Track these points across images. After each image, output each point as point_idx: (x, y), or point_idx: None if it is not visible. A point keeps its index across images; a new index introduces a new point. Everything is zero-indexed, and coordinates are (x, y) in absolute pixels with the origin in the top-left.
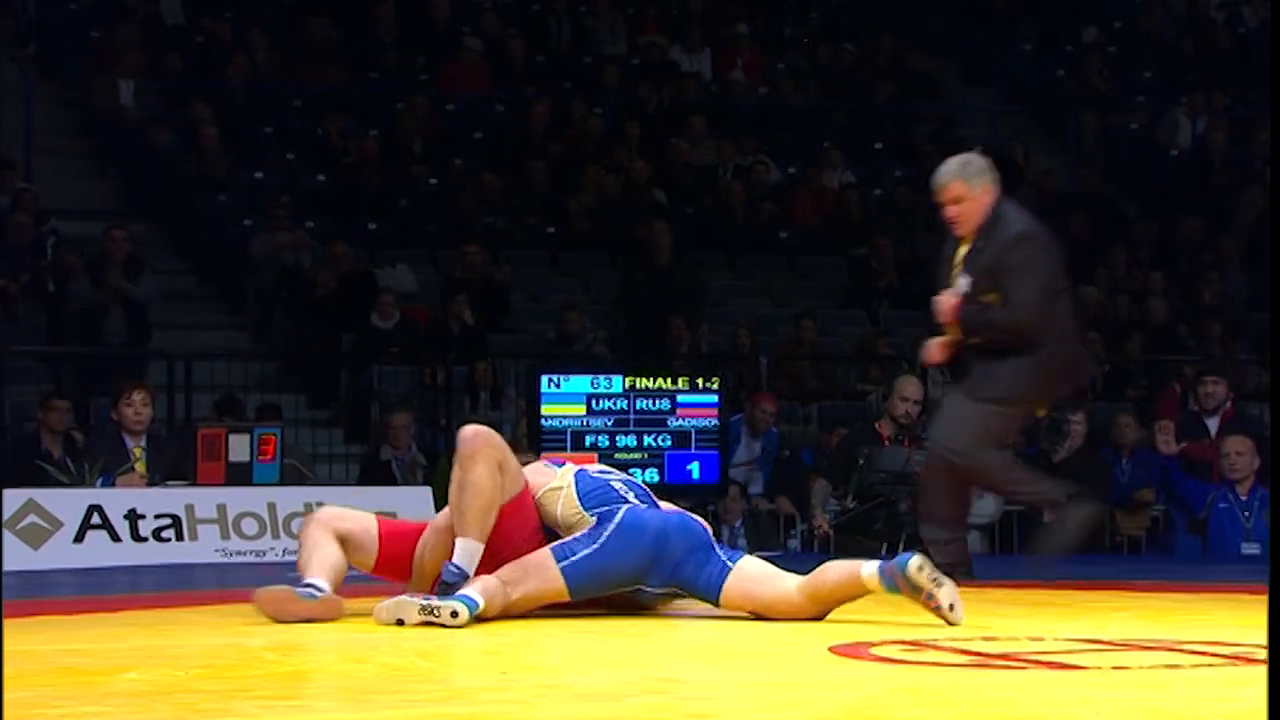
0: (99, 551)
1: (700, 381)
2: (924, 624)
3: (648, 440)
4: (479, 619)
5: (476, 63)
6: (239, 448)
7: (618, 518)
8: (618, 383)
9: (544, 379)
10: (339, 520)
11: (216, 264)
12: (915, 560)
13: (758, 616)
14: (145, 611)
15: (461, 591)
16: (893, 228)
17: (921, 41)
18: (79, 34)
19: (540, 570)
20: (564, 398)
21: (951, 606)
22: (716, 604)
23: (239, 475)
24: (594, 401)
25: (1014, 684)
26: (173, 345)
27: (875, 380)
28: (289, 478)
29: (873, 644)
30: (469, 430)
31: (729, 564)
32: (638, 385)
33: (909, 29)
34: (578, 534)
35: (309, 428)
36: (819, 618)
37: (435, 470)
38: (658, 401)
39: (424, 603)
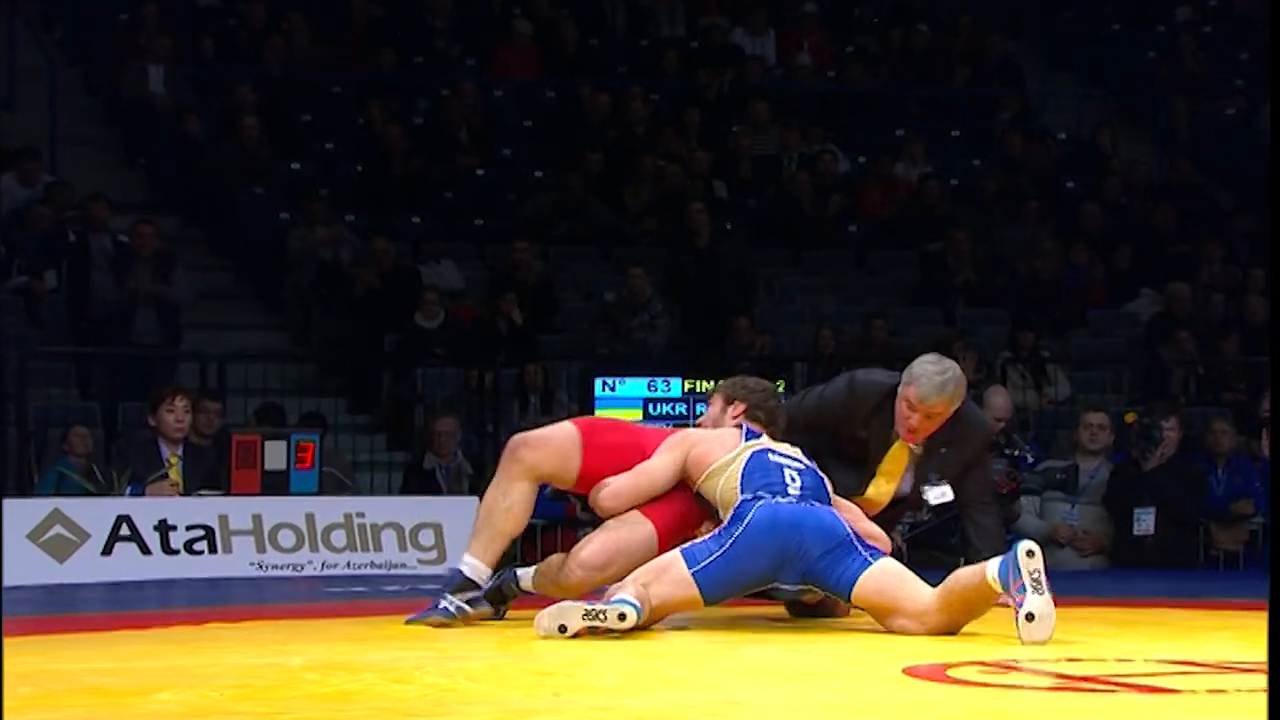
0: (128, 564)
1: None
2: (1004, 641)
3: None
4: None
5: (527, 47)
6: (275, 455)
7: (749, 517)
8: (676, 386)
9: (598, 382)
10: (541, 463)
11: (252, 260)
12: (1026, 545)
13: (882, 625)
14: (178, 628)
15: (620, 595)
16: (970, 220)
17: (1000, 23)
18: (106, 17)
19: (673, 576)
20: (619, 401)
21: (1031, 617)
22: (848, 600)
23: (275, 484)
24: (651, 406)
25: (1100, 709)
26: (206, 346)
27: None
28: (328, 487)
29: (950, 665)
30: (515, 438)
31: (869, 560)
32: (698, 389)
33: (987, 9)
34: (707, 536)
35: (349, 433)
36: (950, 631)
37: (482, 479)
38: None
39: (588, 607)
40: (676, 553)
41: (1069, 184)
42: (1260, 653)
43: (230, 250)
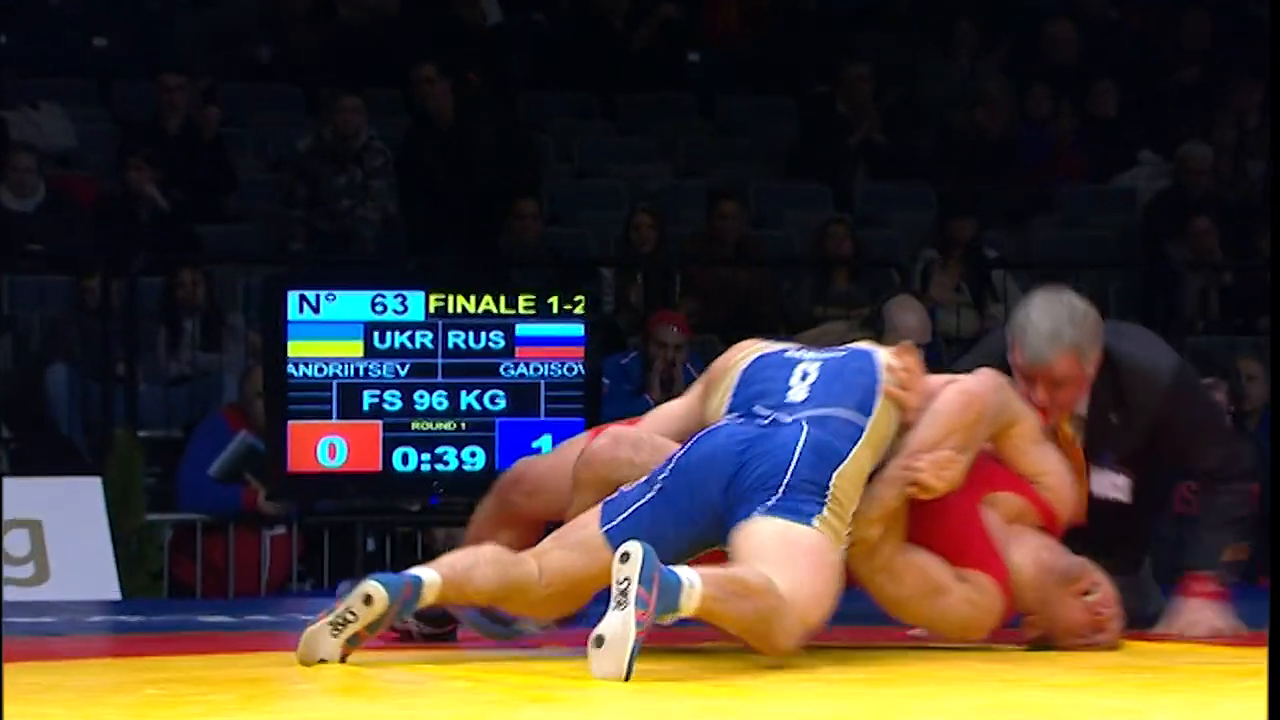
0: None
1: (555, 301)
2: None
3: (468, 400)
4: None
5: None
6: None
7: (684, 449)
8: (417, 303)
9: (293, 298)
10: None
11: None
12: (623, 547)
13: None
14: None
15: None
16: (875, 48)
17: None
18: None
19: (581, 538)
20: (326, 330)
21: (599, 641)
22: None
23: None
24: (377, 336)
25: None
26: None
27: (845, 300)
28: None
29: None
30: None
31: (762, 513)
32: (450, 308)
33: None
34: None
35: None
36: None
37: (111, 455)
38: (484, 336)
39: (330, 619)
40: (599, 506)
41: None
42: None
43: None
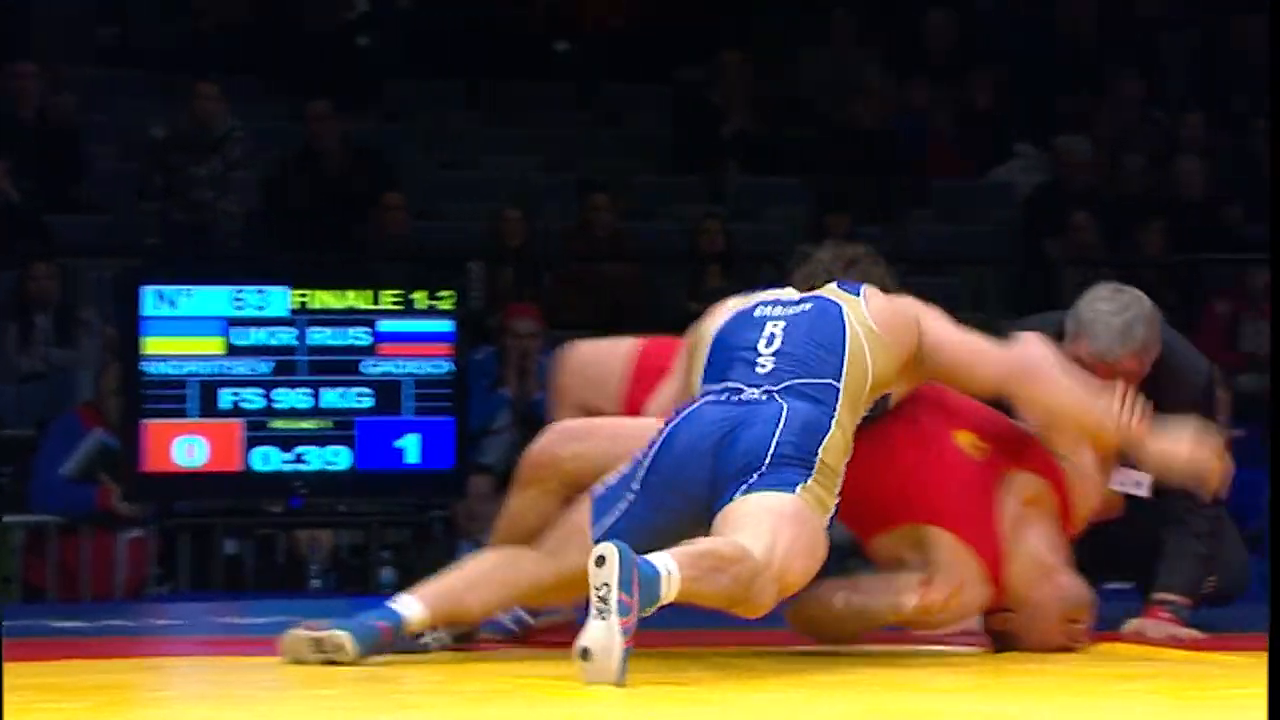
0: None
1: (420, 297)
2: None
3: (330, 398)
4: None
5: None
6: None
7: (659, 440)
8: (279, 299)
9: (149, 294)
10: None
11: None
12: (597, 550)
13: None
14: None
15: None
16: (749, 35)
17: None
18: None
19: (580, 542)
20: (184, 326)
21: (585, 653)
22: None
23: None
24: (238, 332)
25: None
26: None
27: (718, 295)
28: None
29: None
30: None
31: (749, 490)
32: (311, 304)
33: None
34: (622, 470)
35: None
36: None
37: None
38: (347, 332)
39: (311, 636)
40: (588, 501)
41: None
42: None
43: None
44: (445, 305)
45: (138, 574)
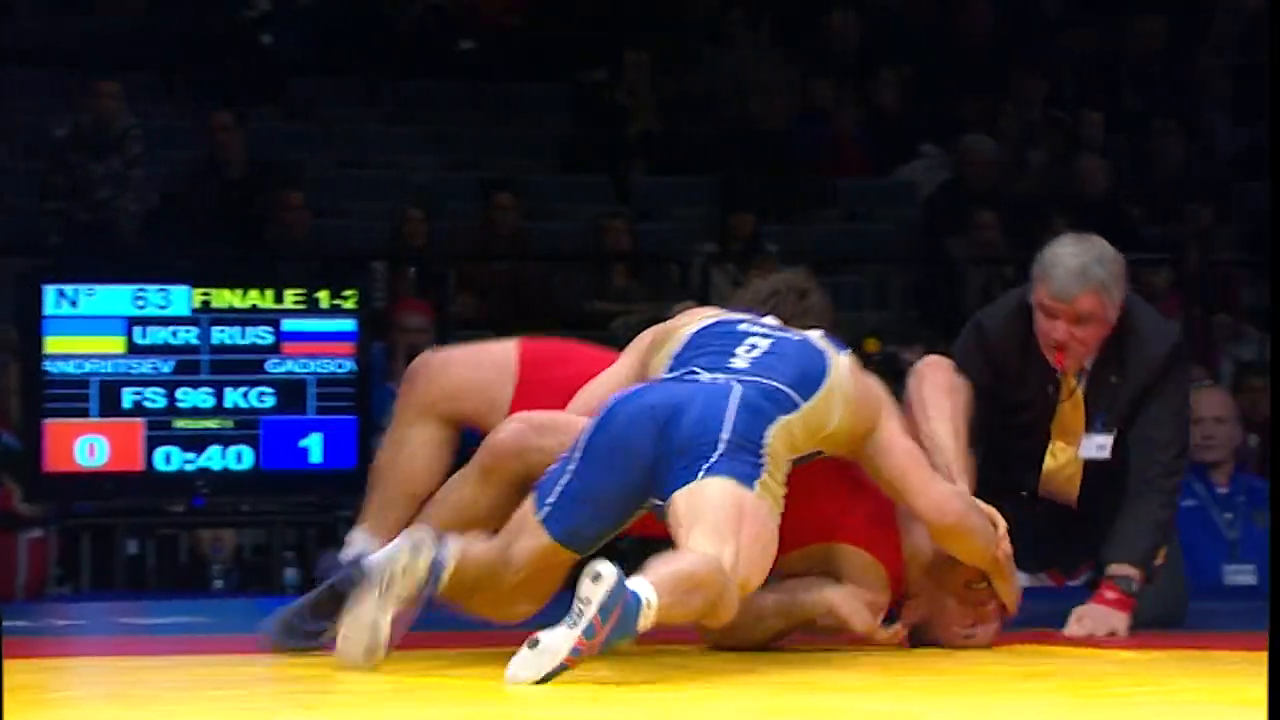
0: None
1: (323, 296)
2: None
3: (234, 398)
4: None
5: None
6: None
7: (601, 414)
8: (181, 298)
9: (50, 293)
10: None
11: None
12: (594, 567)
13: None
14: None
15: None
16: (653, 35)
17: None
18: None
19: (529, 525)
20: (85, 325)
21: (534, 643)
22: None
23: None
24: (140, 331)
25: None
26: None
27: (623, 296)
28: None
29: None
30: (418, 358)
31: (704, 475)
32: (214, 303)
33: None
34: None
35: None
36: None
37: None
38: (250, 331)
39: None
40: (532, 492)
41: None
42: None
43: None
44: (348, 305)
45: (38, 574)
